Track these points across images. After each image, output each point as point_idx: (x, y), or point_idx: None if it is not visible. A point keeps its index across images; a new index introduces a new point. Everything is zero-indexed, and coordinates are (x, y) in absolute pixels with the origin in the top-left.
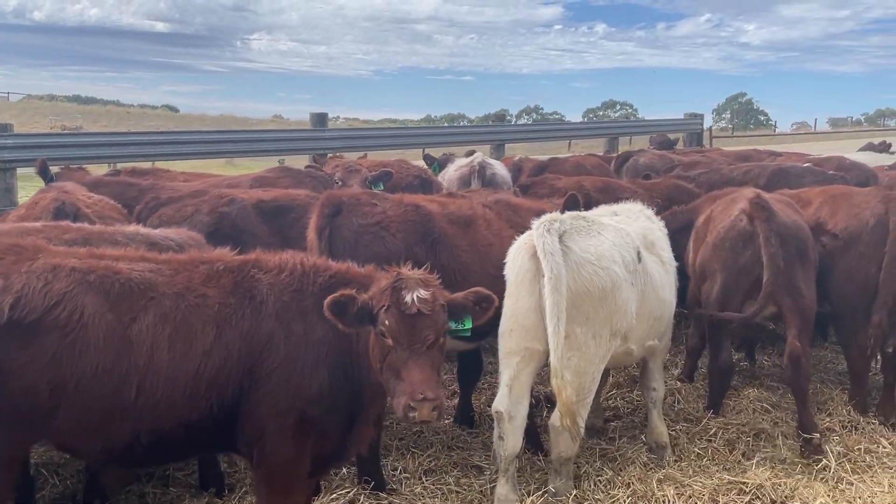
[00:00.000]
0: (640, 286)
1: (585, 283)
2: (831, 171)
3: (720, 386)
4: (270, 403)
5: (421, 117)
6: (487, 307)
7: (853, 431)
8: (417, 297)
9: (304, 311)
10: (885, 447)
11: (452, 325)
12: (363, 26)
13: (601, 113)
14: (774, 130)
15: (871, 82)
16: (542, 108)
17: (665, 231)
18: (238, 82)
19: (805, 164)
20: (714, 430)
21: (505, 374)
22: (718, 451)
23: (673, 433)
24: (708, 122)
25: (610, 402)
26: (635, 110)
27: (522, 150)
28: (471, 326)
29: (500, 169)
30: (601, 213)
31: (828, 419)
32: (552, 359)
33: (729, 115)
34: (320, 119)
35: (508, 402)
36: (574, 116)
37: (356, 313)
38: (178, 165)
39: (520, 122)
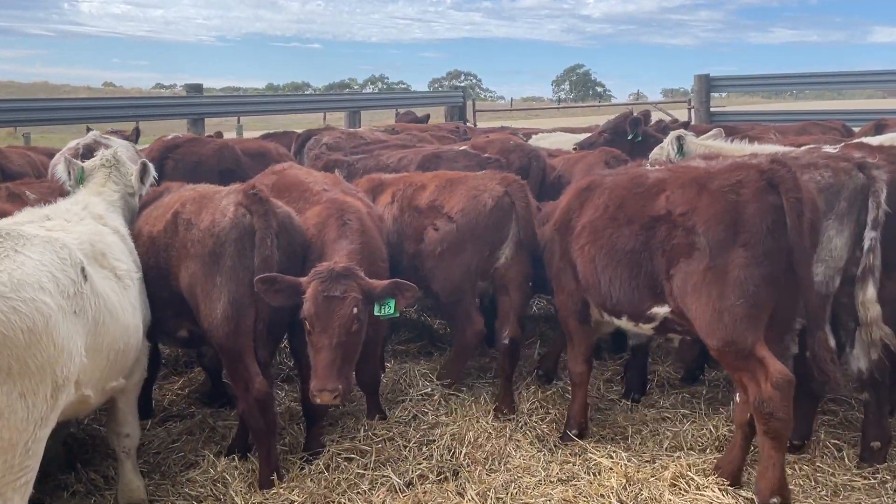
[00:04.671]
0: (90, 313)
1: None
2: (487, 155)
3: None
4: None
5: (264, 85)
6: None
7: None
8: None
9: None
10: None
11: None
12: None
13: (446, 83)
14: (599, 102)
15: (699, 54)
16: (387, 78)
17: (125, 233)
18: (67, 47)
19: (461, 148)
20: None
21: None
22: None
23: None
24: (548, 93)
25: None
26: (479, 81)
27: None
28: None
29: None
30: (27, 219)
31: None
32: None
33: (568, 87)
34: None
35: None
36: (420, 86)
37: None
38: None
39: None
